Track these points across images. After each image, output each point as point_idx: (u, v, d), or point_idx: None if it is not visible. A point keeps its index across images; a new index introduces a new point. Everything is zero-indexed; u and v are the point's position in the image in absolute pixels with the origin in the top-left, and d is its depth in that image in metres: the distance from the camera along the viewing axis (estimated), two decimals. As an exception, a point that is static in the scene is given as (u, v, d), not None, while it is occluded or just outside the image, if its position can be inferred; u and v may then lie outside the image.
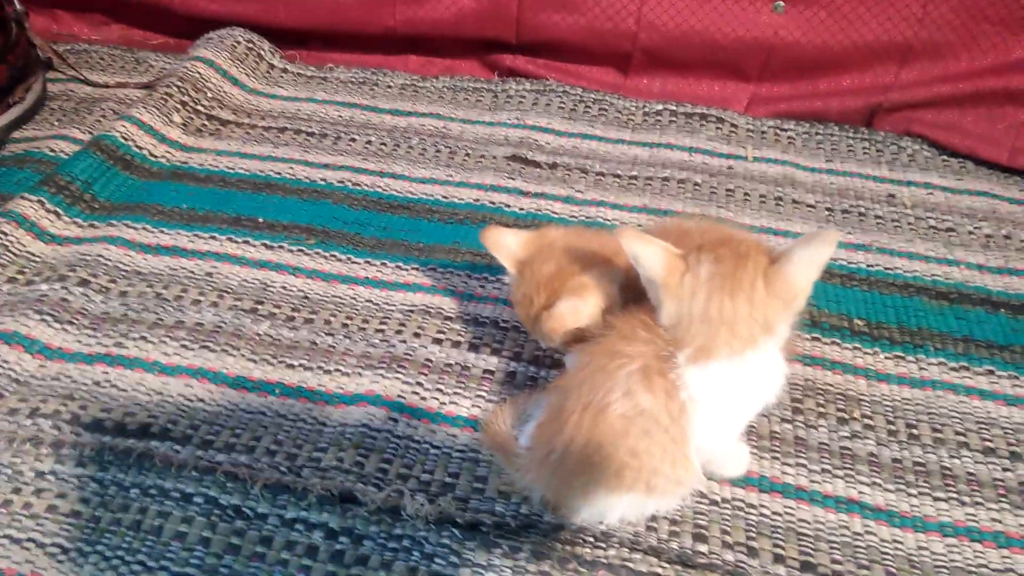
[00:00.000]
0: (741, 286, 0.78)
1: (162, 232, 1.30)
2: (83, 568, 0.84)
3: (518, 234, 1.00)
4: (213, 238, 1.30)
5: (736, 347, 0.79)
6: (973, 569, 0.88)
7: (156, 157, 1.47)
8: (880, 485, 0.96)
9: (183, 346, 1.11)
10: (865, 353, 1.14)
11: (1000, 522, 0.93)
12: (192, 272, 1.23)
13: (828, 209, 1.41)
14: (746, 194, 1.43)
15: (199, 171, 1.45)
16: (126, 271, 1.23)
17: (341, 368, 1.08)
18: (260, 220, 1.33)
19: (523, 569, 0.84)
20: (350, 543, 0.87)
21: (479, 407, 1.03)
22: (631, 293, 0.91)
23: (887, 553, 0.89)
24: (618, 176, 1.47)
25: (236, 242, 1.29)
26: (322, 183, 1.43)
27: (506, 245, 1.00)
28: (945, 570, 0.87)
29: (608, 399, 0.81)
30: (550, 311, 0.94)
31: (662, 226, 0.96)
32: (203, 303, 1.18)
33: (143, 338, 1.12)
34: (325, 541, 0.87)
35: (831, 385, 1.09)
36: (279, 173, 1.45)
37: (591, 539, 0.87)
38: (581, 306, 0.93)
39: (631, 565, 0.85)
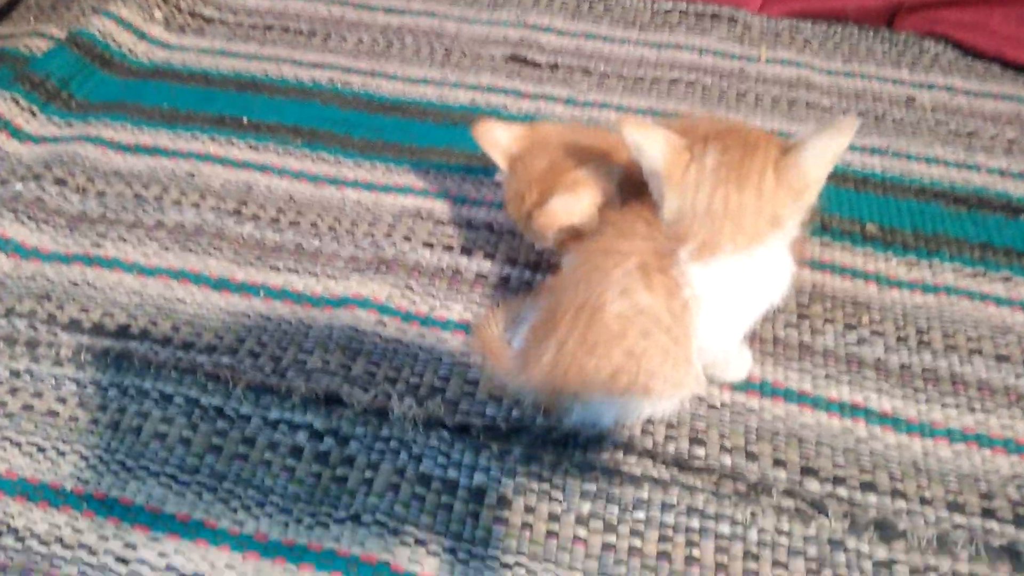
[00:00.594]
0: (749, 177, 0.74)
1: (142, 131, 1.26)
2: (61, 468, 0.83)
3: (511, 128, 0.96)
4: (195, 138, 1.26)
5: (741, 242, 0.76)
6: (980, 476, 0.86)
7: (136, 55, 1.42)
8: (887, 391, 0.94)
9: (163, 247, 1.08)
10: (877, 258, 1.11)
11: (1011, 428, 0.91)
12: (173, 172, 1.20)
13: (844, 112, 1.36)
14: (758, 96, 1.38)
15: (181, 70, 1.40)
16: (104, 170, 1.20)
17: (328, 271, 1.05)
18: (245, 120, 1.29)
19: (512, 471, 0.83)
20: (335, 444, 0.85)
21: (471, 312, 1.01)
22: (631, 190, 0.88)
23: (892, 459, 0.87)
24: (623, 77, 1.41)
25: (219, 142, 1.25)
26: (310, 83, 1.38)
27: (497, 140, 0.96)
28: (952, 476, 0.86)
29: (604, 298, 0.78)
30: (542, 208, 0.91)
31: (667, 123, 0.91)
32: (184, 204, 1.15)
33: (122, 239, 1.09)
34: (309, 442, 0.85)
35: (840, 291, 1.06)
36: (265, 72, 1.40)
37: (584, 442, 0.86)
38: (574, 203, 0.90)
39: (625, 468, 0.84)
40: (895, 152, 1.28)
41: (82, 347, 0.93)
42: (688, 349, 0.81)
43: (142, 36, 1.45)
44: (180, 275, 1.04)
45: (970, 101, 1.39)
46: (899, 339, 1.00)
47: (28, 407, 0.88)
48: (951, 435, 0.90)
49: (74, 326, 0.97)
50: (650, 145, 0.76)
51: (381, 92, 1.37)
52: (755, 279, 0.80)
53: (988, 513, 0.82)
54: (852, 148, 1.28)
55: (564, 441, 0.86)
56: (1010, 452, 0.88)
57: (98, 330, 0.96)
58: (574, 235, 0.91)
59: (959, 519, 0.81)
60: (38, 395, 0.89)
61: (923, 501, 0.83)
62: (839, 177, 1.22)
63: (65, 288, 1.02)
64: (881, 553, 0.78)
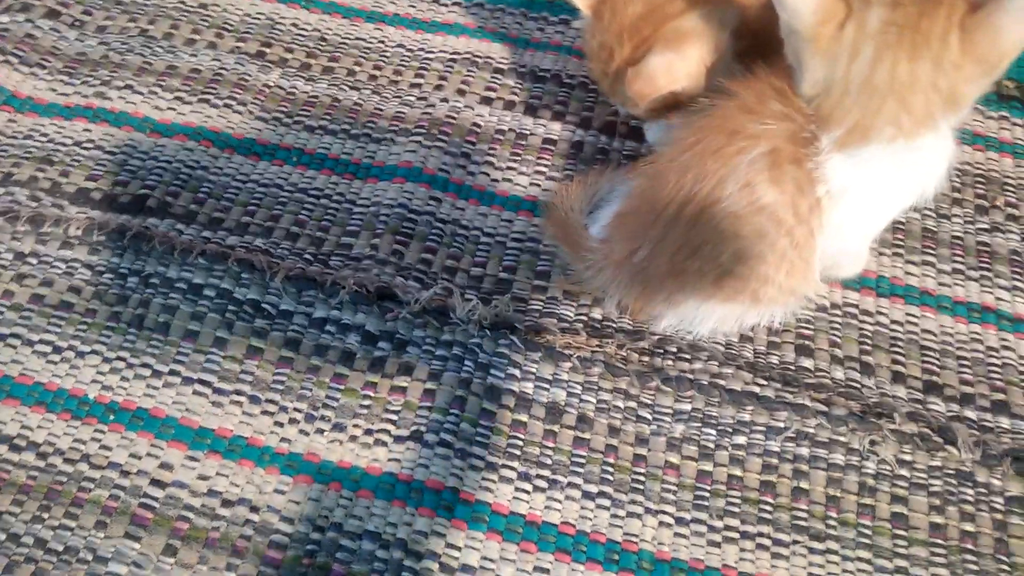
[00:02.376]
0: (928, 42, 0.61)
1: (140, -49, 1.11)
2: (80, 370, 0.76)
3: None
4: (203, -41, 1.10)
5: (906, 127, 0.63)
6: None
7: None
8: (1022, 291, 0.84)
9: (177, 98, 0.97)
10: (1014, 124, 0.98)
11: None
12: (183, 2, 1.06)
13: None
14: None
15: None
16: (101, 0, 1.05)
17: (370, 132, 0.94)
18: (262, -63, 1.13)
19: (595, 386, 0.76)
20: (391, 349, 0.77)
21: (538, 185, 0.90)
22: (751, 44, 0.74)
23: (1027, 374, 0.78)
24: None
25: (234, -36, 1.10)
26: None
27: None
28: (1098, 396, 0.77)
29: (720, 192, 0.68)
30: (636, 68, 0.77)
31: None
32: (199, 43, 1.02)
33: (129, 87, 0.97)
34: (362, 347, 0.78)
35: (970, 164, 0.94)
36: None
37: (675, 351, 0.77)
38: (678, 62, 0.76)
39: (723, 382, 0.76)
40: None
41: (94, 224, 0.84)
42: (810, 254, 0.71)
43: None
44: (199, 134, 0.93)
45: None
46: (1039, 226, 0.89)
47: (38, 297, 0.80)
48: (1098, 346, 0.81)
49: (82, 197, 0.87)
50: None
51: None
52: (911, 171, 0.68)
53: None
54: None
55: (653, 351, 0.77)
56: None
57: (111, 202, 0.87)
58: (673, 102, 0.78)
59: (1108, 451, 0.74)
60: (47, 283, 0.81)
61: (1065, 428, 0.75)
62: None
63: (68, 150, 0.91)
64: (1015, 489, 0.71)
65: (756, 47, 0.72)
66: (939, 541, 0.69)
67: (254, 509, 0.69)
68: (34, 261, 0.83)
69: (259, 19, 1.04)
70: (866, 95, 0.63)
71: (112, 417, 0.74)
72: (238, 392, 0.75)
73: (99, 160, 0.91)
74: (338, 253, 0.84)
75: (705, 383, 0.76)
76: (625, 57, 0.80)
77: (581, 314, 0.81)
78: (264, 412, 0.74)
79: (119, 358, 0.77)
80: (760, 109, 0.67)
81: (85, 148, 0.92)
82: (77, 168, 0.90)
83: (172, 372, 0.76)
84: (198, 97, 0.97)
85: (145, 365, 0.77)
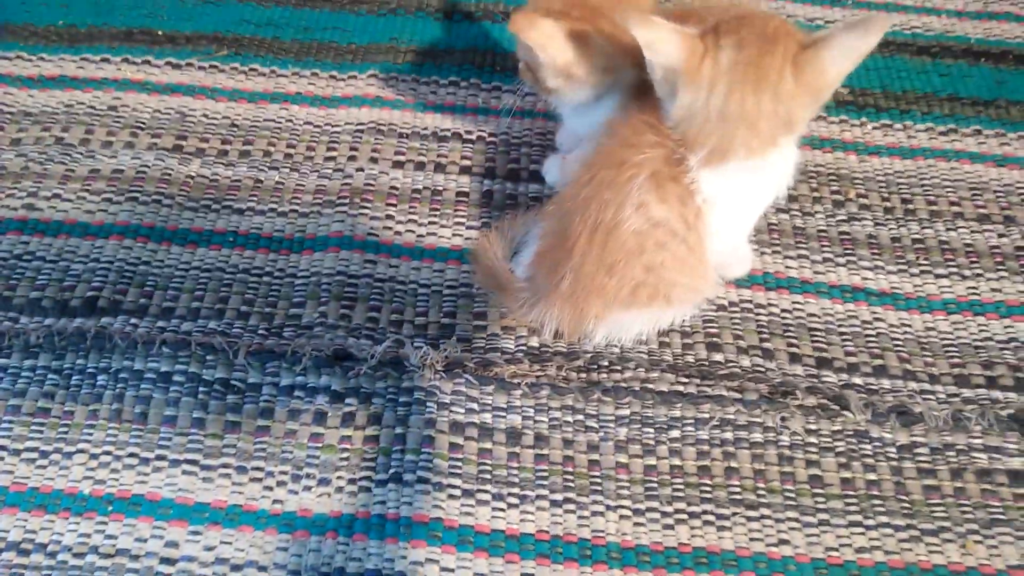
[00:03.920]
0: (767, 77, 0.73)
1: (42, 59, 1.16)
2: (70, 470, 0.81)
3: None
4: (106, 60, 1.16)
5: (755, 147, 0.76)
6: (979, 343, 0.93)
7: (5, -39, 1.27)
8: (882, 268, 0.99)
9: (106, 199, 1.02)
10: (853, 125, 1.14)
11: (1000, 291, 0.98)
12: (92, 107, 1.11)
13: (799, -41, 1.34)
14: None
15: (65, -26, 1.26)
16: (11, 112, 1.10)
17: (297, 208, 1.02)
18: (159, 32, 1.19)
19: (545, 407, 0.86)
20: (359, 403, 0.86)
21: (460, 235, 1.00)
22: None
23: (897, 339, 0.93)
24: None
25: (135, 63, 1.16)
26: (219, -23, 1.27)
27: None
28: (953, 348, 0.93)
29: (620, 215, 0.79)
30: (531, 15, 0.84)
31: (673, 10, 0.89)
32: (115, 144, 1.07)
33: (56, 195, 1.02)
34: (331, 405, 0.85)
35: (822, 165, 1.09)
36: (164, -32, 1.28)
37: (607, 364, 0.88)
38: (559, 41, 0.84)
39: (652, 386, 0.87)
40: (855, 1, 1.28)
41: (52, 331, 0.89)
42: (703, 254, 0.84)
43: (6, -65, 1.29)
44: (135, 231, 0.99)
45: (920, -66, 1.39)
46: (886, 211, 1.05)
47: (15, 408, 0.85)
48: (946, 307, 0.97)
49: (34, 307, 0.92)
50: (663, 43, 0.74)
51: (303, -19, 1.27)
52: (765, 179, 0.81)
53: (992, 382, 0.90)
54: (814, 1, 1.27)
55: (588, 367, 0.88)
56: (1002, 315, 0.96)
57: (63, 308, 0.92)
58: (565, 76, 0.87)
59: (967, 392, 0.89)
60: (20, 393, 0.86)
61: (932, 379, 0.90)
62: (804, 37, 1.22)
63: (10, 264, 0.95)
64: (903, 438, 0.85)
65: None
66: (850, 493, 0.82)
67: (262, 568, 0.76)
68: (1, 375, 0.87)
69: (169, 114, 1.10)
70: (722, 123, 0.75)
71: (110, 508, 0.79)
72: (225, 465, 0.82)
73: (42, 270, 0.95)
74: (289, 324, 0.92)
75: (637, 389, 0.87)
76: (546, 7, 0.86)
77: (521, 345, 0.91)
78: (252, 479, 0.81)
79: (105, 452, 0.82)
80: (638, 142, 0.79)
81: (26, 260, 0.96)
82: (23, 281, 0.94)
83: (159, 457, 0.82)
84: (125, 196, 1.02)
85: (132, 455, 0.82)
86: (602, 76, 0.86)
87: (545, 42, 0.83)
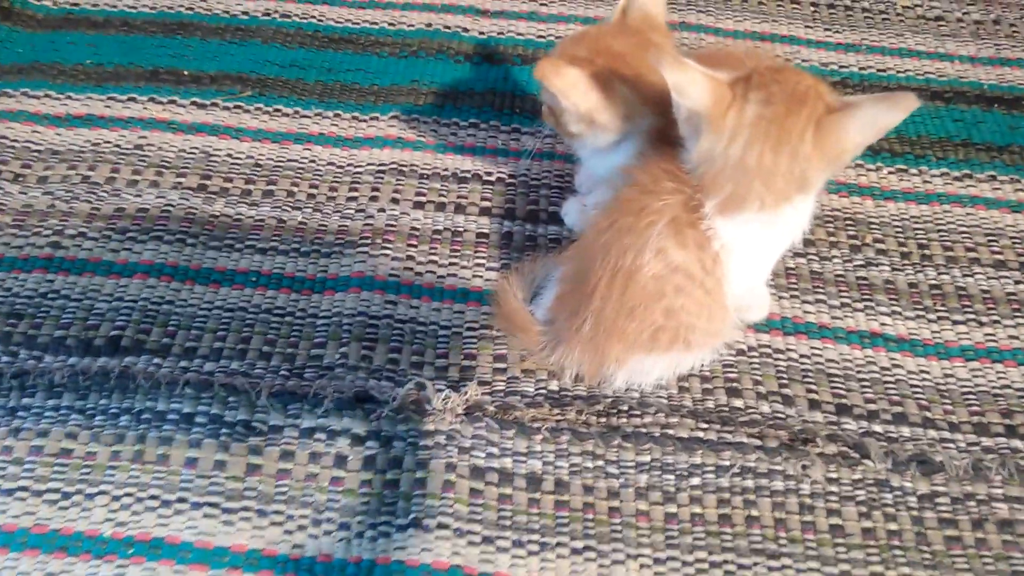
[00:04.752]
0: (788, 136, 0.73)
1: (70, 98, 1.16)
2: (92, 512, 0.80)
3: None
4: (132, 100, 1.16)
5: (769, 202, 0.76)
6: (998, 391, 0.92)
7: (39, 0, 1.28)
8: (900, 313, 0.98)
9: (131, 238, 1.01)
10: (868, 170, 1.14)
11: (1018, 339, 0.97)
12: (118, 146, 1.11)
13: (813, 5, 1.35)
14: (725, -8, 1.35)
15: (95, 13, 1.28)
16: (39, 150, 1.10)
17: (319, 248, 1.01)
18: (184, 72, 1.19)
19: (566, 452, 0.85)
20: (379, 447, 0.84)
21: (480, 276, 0.99)
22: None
23: (916, 386, 0.92)
24: (584, -18, 1.35)
25: (161, 103, 1.16)
26: (245, 17, 1.28)
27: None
28: (972, 395, 0.92)
29: (639, 261, 0.79)
30: (556, 62, 0.85)
31: (705, 52, 0.89)
32: (141, 183, 1.07)
33: (81, 233, 1.01)
34: (352, 448, 0.84)
35: (839, 210, 1.08)
36: (191, 8, 1.29)
37: (626, 409, 0.87)
38: (584, 89, 0.85)
39: (672, 431, 0.86)
40: (869, 46, 1.28)
41: (76, 371, 0.88)
42: (722, 299, 0.83)
43: (37, -24, 1.30)
44: (159, 270, 0.98)
45: (933, -20, 1.39)
46: (903, 255, 1.04)
47: (37, 448, 0.84)
48: (964, 353, 0.95)
49: (58, 346, 0.91)
50: (692, 86, 0.73)
51: (326, 21, 1.28)
52: (779, 229, 0.81)
53: (1012, 431, 0.89)
54: (827, 46, 1.27)
55: (608, 412, 0.87)
56: (1020, 363, 0.95)
57: (87, 347, 0.91)
58: (588, 123, 0.88)
59: (987, 441, 0.88)
60: (43, 434, 0.85)
61: (952, 427, 0.89)
62: (819, 81, 1.22)
63: (35, 302, 0.95)
64: (923, 487, 0.84)
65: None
66: (871, 543, 0.80)
67: (282, 614, 0.75)
68: (25, 414, 0.86)
69: (194, 153, 1.10)
70: (739, 173, 0.75)
71: (131, 551, 0.78)
72: (245, 508, 0.81)
73: (67, 308, 0.95)
74: (311, 365, 0.91)
75: (658, 434, 0.86)
76: (570, 54, 0.86)
77: (541, 388, 0.90)
78: (273, 523, 0.80)
79: (127, 494, 0.81)
80: (656, 188, 0.79)
81: (51, 299, 0.95)
82: (47, 319, 0.93)
83: (180, 499, 0.81)
84: (150, 235, 1.02)
85: (153, 497, 0.81)
86: (624, 122, 0.86)
87: (569, 89, 0.83)
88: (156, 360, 0.90)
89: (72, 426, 0.85)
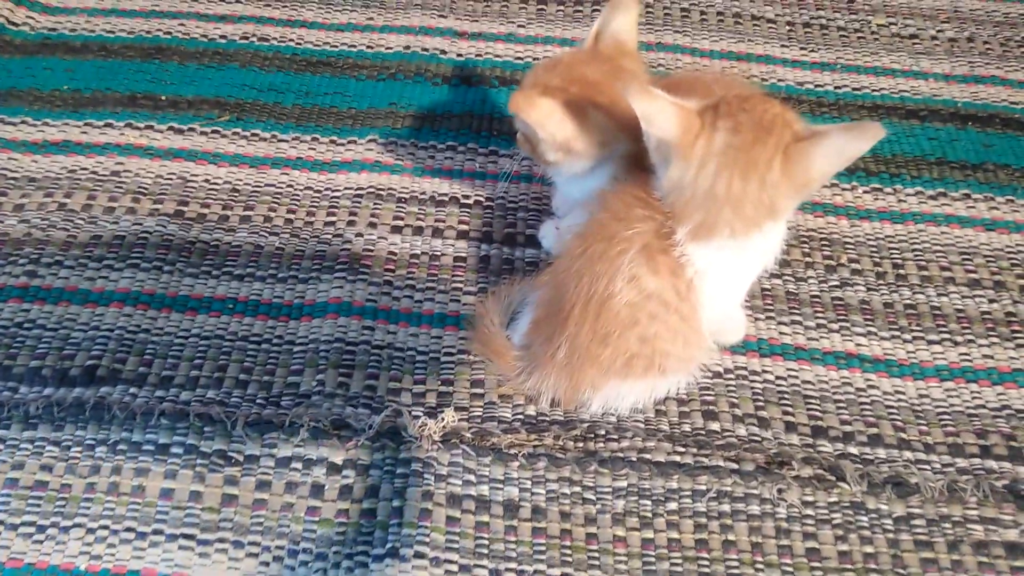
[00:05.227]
0: (756, 165, 0.73)
1: (47, 124, 1.15)
2: (67, 545, 0.80)
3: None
4: (109, 126, 1.16)
5: (738, 229, 0.76)
6: (972, 411, 0.92)
7: (16, 25, 1.27)
8: (875, 334, 0.99)
9: (107, 266, 1.01)
10: (843, 189, 1.14)
11: (992, 358, 0.97)
12: (95, 172, 1.10)
13: (789, 24, 1.35)
14: (702, 12, 1.35)
15: (73, 38, 1.27)
16: (15, 178, 1.09)
17: (296, 274, 1.01)
18: (162, 97, 1.19)
19: (543, 478, 0.84)
20: (356, 475, 0.84)
21: (458, 300, 0.99)
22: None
23: (891, 406, 0.92)
24: (562, 3, 1.36)
25: (138, 128, 1.16)
26: (223, 41, 1.28)
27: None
28: (947, 416, 0.92)
29: (612, 288, 0.79)
30: (528, 93, 0.85)
31: (672, 79, 0.90)
32: (118, 210, 1.07)
33: (57, 262, 1.01)
34: (329, 477, 0.84)
35: (814, 230, 1.09)
36: (169, 32, 1.29)
37: (603, 434, 0.87)
38: (558, 119, 0.85)
39: (649, 456, 0.86)
40: (845, 65, 1.29)
41: (51, 402, 0.88)
42: (697, 324, 0.83)
43: (19, 0, 1.29)
44: (135, 298, 0.98)
45: (907, -1, 1.40)
46: (878, 275, 1.04)
47: (12, 481, 0.83)
48: (939, 373, 0.96)
49: (34, 376, 0.91)
50: (661, 116, 0.74)
51: (304, 44, 1.28)
52: (750, 255, 0.81)
53: (986, 452, 0.89)
54: (803, 66, 1.28)
55: (586, 437, 0.87)
56: (994, 383, 0.95)
57: (62, 378, 0.91)
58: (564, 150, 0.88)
59: (962, 463, 0.88)
60: (18, 466, 0.84)
61: (927, 448, 0.89)
62: (795, 101, 1.23)
63: (10, 331, 0.94)
64: (899, 510, 0.84)
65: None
66: (847, 566, 0.81)
67: (258, 648, 0.74)
68: (0, 446, 0.85)
69: (171, 179, 1.10)
70: (708, 201, 0.75)
71: (106, 585, 0.77)
72: (221, 540, 0.80)
73: (42, 338, 0.94)
74: (288, 393, 0.91)
75: (635, 459, 0.86)
76: (544, 84, 0.86)
77: (518, 414, 0.90)
78: (249, 555, 0.80)
79: (102, 527, 0.81)
80: (628, 215, 0.79)
81: (26, 328, 0.95)
82: (23, 349, 0.93)
83: (155, 531, 0.81)
84: (127, 263, 1.01)
85: (128, 529, 0.81)
86: (599, 149, 0.86)
87: (545, 120, 0.83)
88: (132, 390, 0.90)
89: (48, 458, 0.85)
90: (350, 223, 1.06)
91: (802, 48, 1.31)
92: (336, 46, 1.28)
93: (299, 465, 0.85)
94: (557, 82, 0.85)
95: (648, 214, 0.78)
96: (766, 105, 0.75)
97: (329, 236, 1.05)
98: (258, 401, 0.89)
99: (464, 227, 1.06)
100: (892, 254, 1.06)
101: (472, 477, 0.84)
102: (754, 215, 0.75)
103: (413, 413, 0.88)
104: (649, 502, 0.84)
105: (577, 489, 0.84)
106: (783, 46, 1.31)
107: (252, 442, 0.86)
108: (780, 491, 0.84)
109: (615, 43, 0.89)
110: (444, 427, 0.87)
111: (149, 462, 0.85)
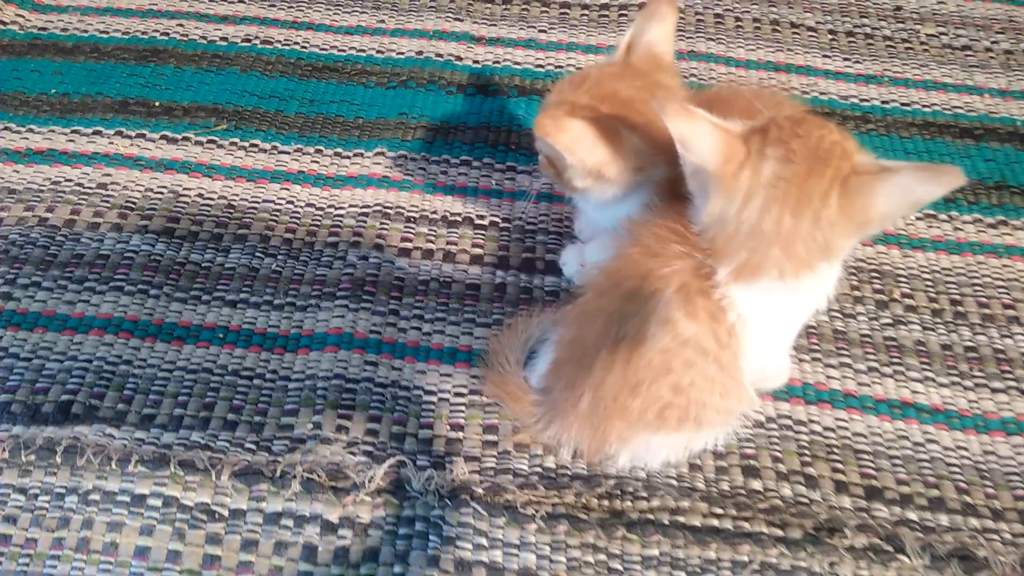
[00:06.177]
0: (810, 199, 0.64)
1: (32, 131, 1.07)
2: (27, 610, 0.70)
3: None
4: (98, 133, 1.07)
5: (788, 270, 0.66)
6: (1044, 472, 0.82)
7: (4, 23, 1.18)
8: (933, 380, 0.89)
9: (88, 288, 0.92)
10: (894, 215, 1.03)
11: (1063, 410, 0.86)
12: (80, 184, 1.01)
13: (831, 32, 1.25)
14: (738, 19, 1.25)
15: (64, 39, 1.19)
16: (-7, 190, 1.00)
17: (294, 300, 0.92)
18: (155, 103, 1.10)
19: (563, 544, 0.75)
20: (353, 536, 0.75)
21: (469, 333, 0.90)
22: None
23: (953, 465, 0.82)
24: (586, 7, 1.26)
25: (129, 136, 1.07)
26: (223, 43, 1.19)
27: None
28: (1016, 476, 0.82)
29: (644, 332, 0.69)
30: (556, 115, 0.76)
31: (711, 93, 0.80)
32: (103, 226, 0.98)
33: (35, 283, 0.92)
34: (323, 538, 0.74)
35: (863, 260, 0.99)
36: (167, 33, 1.20)
37: (631, 491, 0.77)
38: (590, 143, 0.76)
39: (682, 519, 0.76)
40: (892, 77, 1.19)
41: (19, 443, 0.78)
42: (738, 373, 0.73)
43: (4, -3, 1.21)
44: (117, 325, 0.89)
45: (959, 6, 1.30)
46: (934, 312, 0.94)
47: (-30, 535, 0.74)
48: (1005, 426, 0.86)
49: (2, 414, 0.82)
50: (699, 138, 0.64)
51: (310, 48, 1.19)
52: (801, 298, 0.71)
53: (1062, 519, 0.78)
54: (847, 78, 1.18)
55: (612, 494, 0.77)
56: (1067, 438, 0.84)
57: (33, 414, 0.82)
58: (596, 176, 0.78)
59: (1035, 532, 0.77)
60: (-22, 516, 0.75)
61: (996, 515, 0.79)
62: (839, 116, 1.13)
63: (-22, 361, 0.85)
64: (966, 587, 0.74)
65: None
66: (911, 655, 0.70)
67: None
68: (-42, 494, 0.76)
69: (162, 193, 1.01)
70: (754, 239, 0.65)
71: (68, 659, 0.68)
72: (200, 608, 0.71)
73: (14, 368, 0.85)
74: (280, 436, 0.81)
75: (666, 523, 0.76)
76: (571, 102, 0.77)
77: (535, 465, 0.80)
78: (231, 626, 0.70)
79: (67, 590, 0.71)
80: (663, 251, 0.69)
81: (-4, 358, 0.86)
82: (-9, 381, 0.84)
83: (127, 597, 0.71)
84: (110, 285, 0.92)
85: (97, 594, 0.71)
86: (634, 175, 0.76)
87: (574, 144, 0.74)
88: (109, 430, 0.81)
89: (12, 508, 0.76)
90: (354, 244, 0.96)
91: (846, 59, 1.21)
92: (344, 50, 1.18)
93: (290, 522, 0.75)
94: (586, 100, 0.76)
95: (685, 251, 0.69)
96: (822, 131, 0.65)
97: (330, 258, 0.95)
98: (247, 445, 0.80)
99: (478, 251, 0.97)
100: (949, 288, 0.96)
101: (484, 540, 0.74)
102: (806, 255, 0.65)
103: (418, 463, 0.78)
104: (683, 574, 0.73)
105: (602, 557, 0.74)
106: (825, 56, 1.21)
107: (239, 494, 0.76)
108: (832, 564, 0.74)
109: (649, 55, 0.79)
110: (453, 481, 0.77)
111: (124, 515, 0.75)
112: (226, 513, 0.76)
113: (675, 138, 0.65)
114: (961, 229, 1.02)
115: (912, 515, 0.78)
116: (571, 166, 0.76)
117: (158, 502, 0.76)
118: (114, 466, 0.78)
